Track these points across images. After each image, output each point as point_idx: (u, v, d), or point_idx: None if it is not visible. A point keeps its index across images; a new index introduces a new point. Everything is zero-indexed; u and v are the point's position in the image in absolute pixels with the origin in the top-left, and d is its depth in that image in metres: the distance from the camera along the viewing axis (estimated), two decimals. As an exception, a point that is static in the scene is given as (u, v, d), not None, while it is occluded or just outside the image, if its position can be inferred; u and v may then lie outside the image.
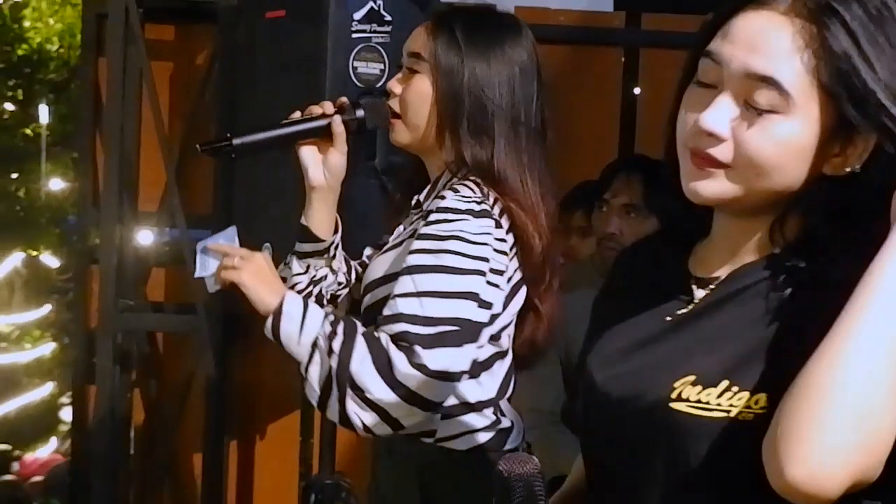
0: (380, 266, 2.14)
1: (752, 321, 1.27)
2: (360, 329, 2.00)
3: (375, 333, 1.99)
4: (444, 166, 2.15)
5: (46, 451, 6.86)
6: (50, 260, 7.52)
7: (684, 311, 1.35)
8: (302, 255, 2.25)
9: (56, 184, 7.25)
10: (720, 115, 1.24)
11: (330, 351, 1.97)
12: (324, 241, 2.24)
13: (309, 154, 2.19)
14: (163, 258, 4.02)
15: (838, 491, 1.11)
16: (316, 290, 2.27)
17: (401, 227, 2.20)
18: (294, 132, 2.19)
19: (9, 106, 7.50)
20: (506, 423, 2.15)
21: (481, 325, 2.03)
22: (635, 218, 2.99)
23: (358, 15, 2.98)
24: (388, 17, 3.00)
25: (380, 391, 1.95)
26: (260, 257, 2.11)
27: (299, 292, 2.24)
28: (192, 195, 3.87)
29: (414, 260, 2.01)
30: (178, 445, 3.99)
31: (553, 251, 2.14)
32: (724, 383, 1.24)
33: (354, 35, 2.98)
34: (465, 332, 2.00)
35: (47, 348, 7.46)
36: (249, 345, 3.96)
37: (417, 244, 2.02)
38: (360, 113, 2.17)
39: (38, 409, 7.30)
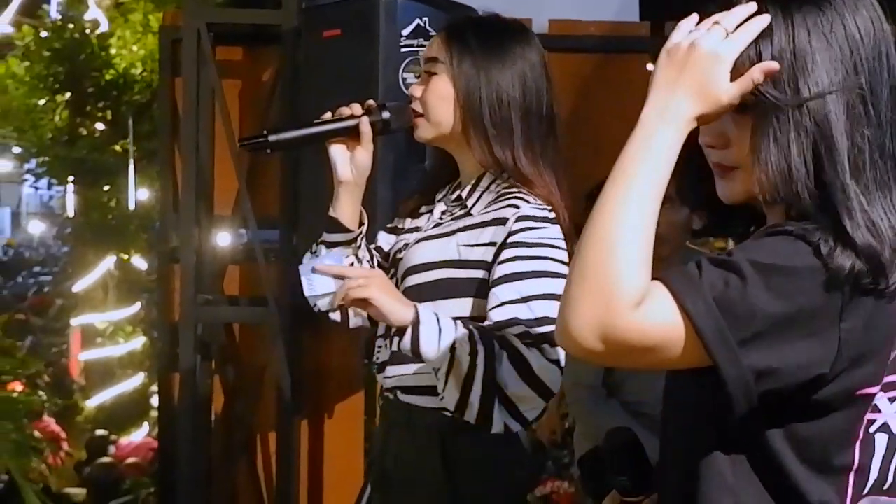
0: (424, 251, 2.14)
1: None
2: (492, 333, 1.98)
3: (502, 336, 1.97)
4: (477, 164, 2.15)
5: (139, 435, 6.90)
6: (139, 262, 7.57)
7: None
8: (330, 245, 2.24)
9: (143, 194, 7.29)
10: (715, 130, 1.35)
11: (472, 355, 1.94)
12: (351, 231, 2.23)
13: (338, 151, 2.18)
14: (237, 256, 4.05)
15: (586, 341, 1.20)
16: None
17: (434, 215, 2.19)
18: (324, 131, 2.18)
19: (99, 125, 7.55)
20: None
21: None
22: (669, 208, 2.95)
23: (406, 31, 3.00)
24: (433, 33, 2.98)
25: (517, 387, 1.95)
26: (382, 274, 2.10)
27: None
28: (262, 199, 3.89)
29: (510, 268, 2.01)
30: (254, 426, 4.03)
31: (570, 225, 2.14)
32: None
33: (403, 49, 2.99)
34: None
35: (138, 342, 7.50)
36: (317, 333, 3.98)
37: (509, 252, 2.02)
38: (385, 115, 2.18)
39: (132, 397, 7.35)
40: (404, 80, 2.99)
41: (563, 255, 2.03)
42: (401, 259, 2.21)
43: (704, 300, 1.20)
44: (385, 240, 2.36)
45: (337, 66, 3.18)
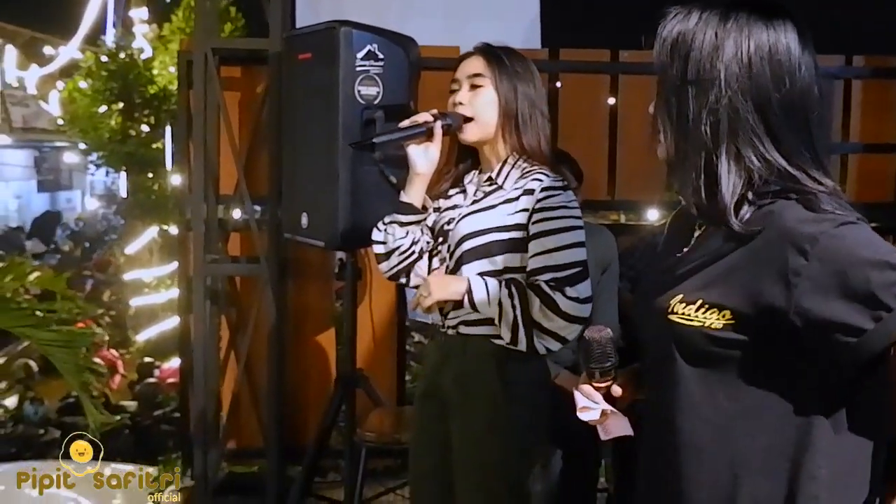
0: (475, 222, 2.11)
1: (718, 256, 1.26)
2: (524, 285, 2.01)
3: (534, 283, 2.00)
4: (503, 152, 2.14)
5: (177, 361, 6.85)
6: (175, 231, 7.51)
7: (687, 247, 1.34)
8: (403, 224, 2.19)
9: (177, 179, 7.23)
10: None
11: (513, 306, 1.99)
12: (422, 213, 2.19)
13: (416, 150, 2.14)
14: (237, 225, 3.97)
15: None
16: (417, 249, 2.21)
17: (469, 194, 2.17)
18: (412, 133, 2.14)
19: (144, 128, 7.47)
20: None
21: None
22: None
23: (360, 55, 2.93)
24: (381, 56, 2.95)
25: (551, 322, 1.99)
26: (431, 278, 2.10)
27: (403, 252, 2.20)
28: (255, 183, 3.82)
29: (540, 227, 2.03)
30: (251, 353, 3.95)
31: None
32: (700, 301, 1.24)
33: (358, 68, 2.93)
34: (586, 268, 2.03)
35: (175, 292, 7.44)
36: (298, 283, 3.96)
37: (538, 216, 2.03)
38: (448, 119, 2.14)
39: (171, 333, 7.28)
40: (359, 91, 2.92)
41: (577, 213, 2.06)
42: (450, 230, 2.16)
43: None
44: (430, 218, 2.29)
45: (309, 81, 3.13)
